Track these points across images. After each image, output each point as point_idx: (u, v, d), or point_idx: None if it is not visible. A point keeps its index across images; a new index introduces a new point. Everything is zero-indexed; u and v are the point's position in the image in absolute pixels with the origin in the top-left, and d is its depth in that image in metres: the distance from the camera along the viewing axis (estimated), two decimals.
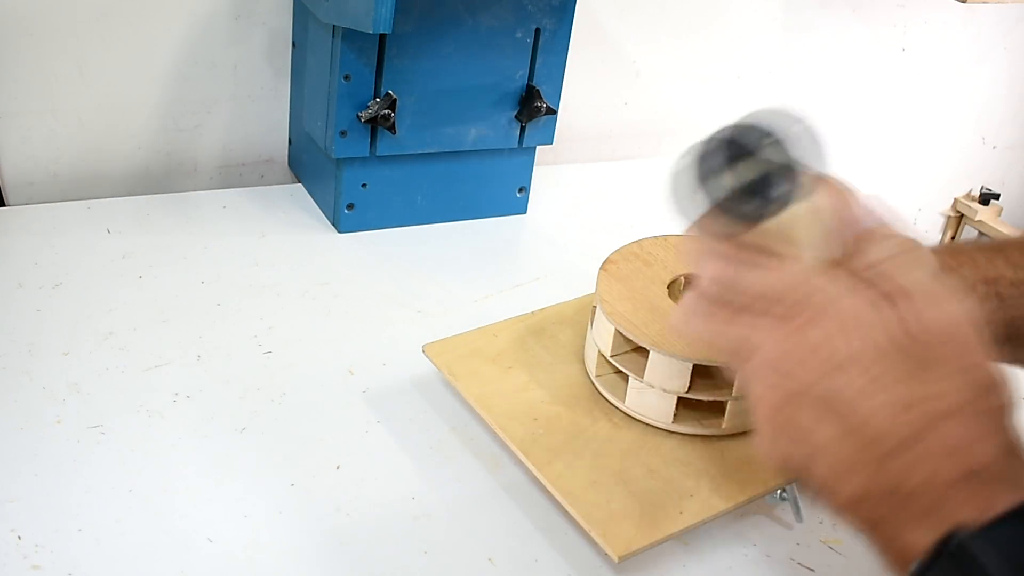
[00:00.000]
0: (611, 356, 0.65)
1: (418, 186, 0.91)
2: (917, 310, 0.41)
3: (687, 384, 0.62)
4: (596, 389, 0.67)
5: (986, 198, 1.56)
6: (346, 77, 0.81)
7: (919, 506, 0.40)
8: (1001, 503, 0.38)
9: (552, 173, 1.06)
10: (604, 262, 0.70)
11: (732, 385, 0.63)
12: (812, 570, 0.60)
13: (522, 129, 0.91)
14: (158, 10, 0.88)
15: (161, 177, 0.96)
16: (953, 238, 1.60)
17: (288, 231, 0.88)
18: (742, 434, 0.65)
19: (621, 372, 0.65)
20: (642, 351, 0.63)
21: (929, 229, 1.59)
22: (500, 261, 0.89)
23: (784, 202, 0.41)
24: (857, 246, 0.44)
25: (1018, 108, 1.54)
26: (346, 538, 0.58)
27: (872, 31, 1.30)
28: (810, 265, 0.43)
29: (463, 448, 0.65)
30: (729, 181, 0.41)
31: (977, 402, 0.40)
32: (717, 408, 0.65)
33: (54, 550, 0.54)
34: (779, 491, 0.62)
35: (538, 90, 0.88)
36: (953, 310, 0.41)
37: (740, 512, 0.62)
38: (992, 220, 1.55)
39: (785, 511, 0.63)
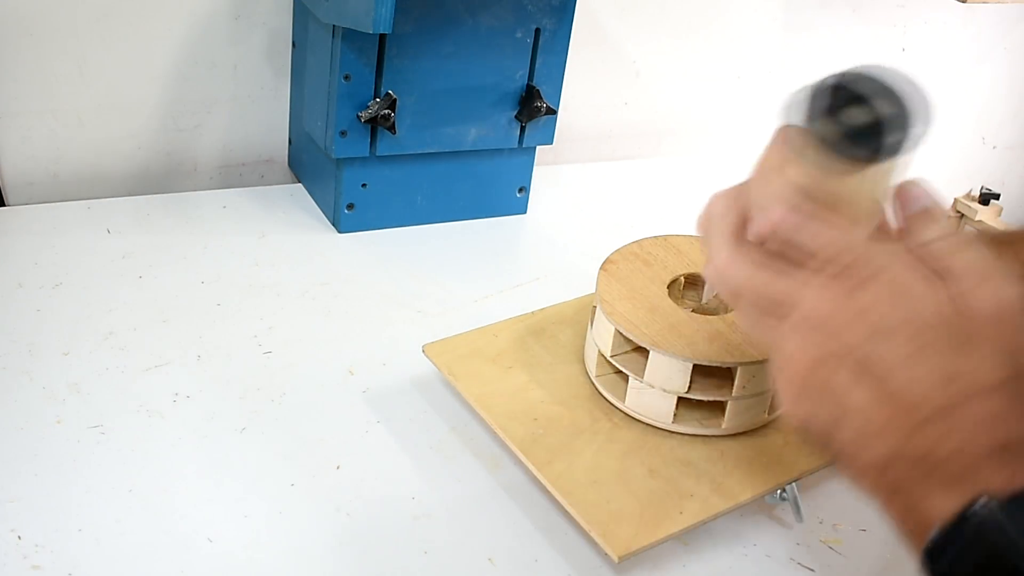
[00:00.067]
0: (611, 356, 0.65)
1: (418, 186, 0.91)
2: (967, 289, 0.41)
3: (687, 384, 0.62)
4: (596, 389, 0.67)
5: (986, 198, 1.55)
6: (346, 77, 0.81)
7: (947, 473, 0.40)
8: None
9: (552, 173, 1.06)
10: (604, 262, 0.70)
11: (732, 385, 0.63)
12: (812, 570, 0.60)
13: (522, 129, 0.91)
14: (158, 10, 0.88)
15: (161, 177, 0.96)
16: None
17: (288, 231, 0.88)
18: (742, 434, 0.65)
19: (621, 372, 0.65)
20: (642, 351, 0.63)
21: None
22: (500, 261, 0.89)
23: (892, 152, 0.41)
24: (910, 224, 0.44)
25: (1018, 108, 1.54)
26: (346, 538, 0.58)
27: (872, 31, 1.30)
28: (869, 232, 0.44)
29: (463, 448, 0.66)
30: (847, 120, 0.41)
31: (1018, 382, 0.40)
32: (717, 408, 0.65)
33: (54, 550, 0.54)
34: (779, 491, 0.62)
35: (538, 90, 0.88)
36: (1002, 292, 0.41)
37: (740, 512, 0.62)
38: (992, 220, 1.55)
39: (785, 511, 0.63)
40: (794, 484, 0.62)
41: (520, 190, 0.96)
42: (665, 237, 0.73)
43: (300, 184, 0.97)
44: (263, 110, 0.96)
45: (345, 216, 0.89)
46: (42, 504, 0.57)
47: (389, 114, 0.83)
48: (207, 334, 0.73)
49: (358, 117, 0.83)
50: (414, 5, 0.80)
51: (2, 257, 0.79)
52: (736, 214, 0.48)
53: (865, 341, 0.41)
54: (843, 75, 0.42)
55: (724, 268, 0.46)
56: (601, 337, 0.65)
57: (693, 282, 0.71)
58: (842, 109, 0.42)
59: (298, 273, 0.82)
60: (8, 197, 0.90)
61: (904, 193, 0.45)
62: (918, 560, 0.42)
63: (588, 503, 0.58)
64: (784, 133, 0.47)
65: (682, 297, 0.71)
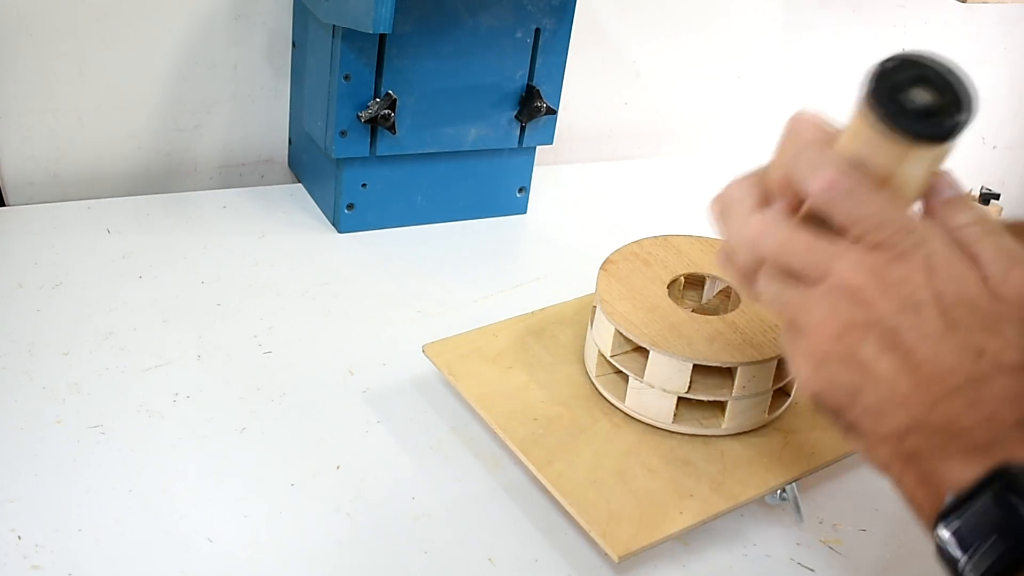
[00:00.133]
0: (611, 356, 0.65)
1: (418, 186, 0.91)
2: (997, 273, 0.42)
3: (687, 384, 0.62)
4: (596, 389, 0.67)
5: (986, 198, 1.55)
6: (346, 77, 0.81)
7: (969, 442, 0.41)
8: None
9: (552, 173, 1.06)
10: (604, 262, 0.70)
11: (732, 385, 0.63)
12: (812, 570, 0.60)
13: (522, 129, 0.91)
14: (158, 10, 0.88)
15: (161, 177, 0.96)
16: None
17: (288, 231, 0.88)
18: (742, 434, 0.65)
19: (621, 372, 0.65)
20: (642, 351, 0.63)
21: None
22: (500, 261, 0.89)
23: (950, 135, 0.42)
24: (940, 210, 0.45)
25: (1018, 108, 1.54)
26: (346, 538, 0.58)
27: (872, 31, 1.30)
28: (910, 208, 0.44)
29: (463, 448, 0.66)
30: (913, 99, 0.42)
31: None
32: (717, 408, 0.65)
33: (54, 550, 0.54)
34: (779, 491, 0.62)
35: (538, 90, 0.88)
36: None
37: (740, 512, 0.62)
38: (990, 215, 1.55)
39: (785, 511, 0.63)
40: (794, 484, 0.62)
41: (520, 190, 0.96)
42: (665, 237, 0.73)
43: (300, 184, 0.97)
44: (263, 110, 0.96)
45: (345, 216, 0.89)
46: (42, 504, 0.57)
47: (389, 114, 0.83)
48: (207, 334, 0.73)
49: (358, 117, 0.83)
50: (414, 5, 0.80)
51: (2, 257, 0.79)
52: (756, 197, 0.48)
53: (896, 313, 0.42)
54: (908, 56, 0.43)
55: (761, 231, 0.46)
56: (601, 337, 0.65)
57: (693, 282, 0.71)
58: (907, 89, 0.42)
59: (298, 273, 0.82)
60: (8, 197, 0.90)
61: (934, 180, 0.46)
62: (927, 526, 0.42)
63: (588, 503, 0.58)
64: (801, 117, 0.48)
65: (682, 297, 0.71)
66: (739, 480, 0.61)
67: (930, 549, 0.63)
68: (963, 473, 0.40)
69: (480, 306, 0.81)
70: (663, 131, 1.22)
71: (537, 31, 0.87)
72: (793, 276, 0.46)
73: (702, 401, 0.64)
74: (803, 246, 0.45)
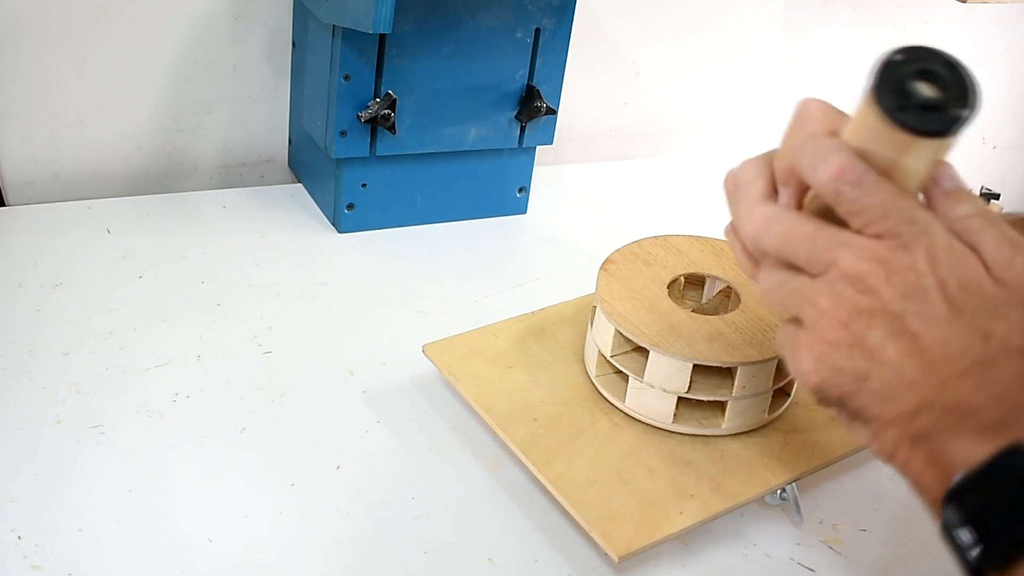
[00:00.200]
0: (611, 356, 0.65)
1: (418, 186, 0.91)
2: (999, 259, 0.43)
3: (687, 384, 0.62)
4: (596, 389, 0.67)
5: (986, 198, 1.55)
6: (346, 77, 0.81)
7: (981, 421, 0.41)
8: None
9: (552, 173, 1.06)
10: (604, 262, 0.70)
11: (732, 385, 0.63)
12: (812, 570, 0.60)
13: (522, 129, 0.91)
14: (158, 10, 0.88)
15: (161, 177, 0.96)
16: None
17: (288, 231, 0.88)
18: (742, 434, 0.65)
19: (621, 372, 0.65)
20: (642, 351, 0.63)
21: None
22: (500, 261, 0.89)
23: (954, 128, 0.43)
24: (939, 202, 0.45)
25: (1018, 108, 1.54)
26: (346, 538, 0.58)
27: (872, 31, 1.30)
28: (914, 198, 0.45)
29: (463, 448, 0.66)
30: (918, 93, 0.43)
31: None
32: (717, 408, 0.65)
33: (54, 550, 0.54)
34: (779, 491, 0.62)
35: (538, 90, 0.88)
36: None
37: (740, 512, 0.62)
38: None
39: (785, 511, 0.63)
40: (794, 484, 0.62)
41: (520, 190, 0.96)
42: (665, 237, 0.73)
43: (300, 184, 0.97)
44: (263, 110, 0.96)
45: (345, 216, 0.89)
46: (42, 504, 0.57)
47: (389, 114, 0.83)
48: (207, 334, 0.73)
49: (358, 117, 0.83)
50: (414, 5, 0.80)
51: (2, 257, 0.79)
52: (766, 180, 0.48)
53: (901, 299, 0.42)
54: (914, 49, 0.43)
55: (766, 220, 0.46)
56: (601, 337, 0.65)
57: (693, 282, 0.71)
58: (912, 82, 0.43)
59: (298, 273, 0.82)
60: (8, 197, 0.90)
61: (934, 174, 0.46)
62: (932, 507, 0.42)
63: (588, 503, 0.58)
64: (809, 102, 0.48)
65: (682, 297, 0.71)
66: (739, 480, 0.61)
67: (930, 549, 0.63)
68: (974, 452, 0.40)
69: (480, 306, 0.81)
70: (663, 131, 1.22)
71: (537, 31, 0.87)
72: (796, 267, 0.46)
73: (702, 401, 0.64)
74: (807, 237, 0.45)
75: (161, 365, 0.69)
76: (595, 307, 0.67)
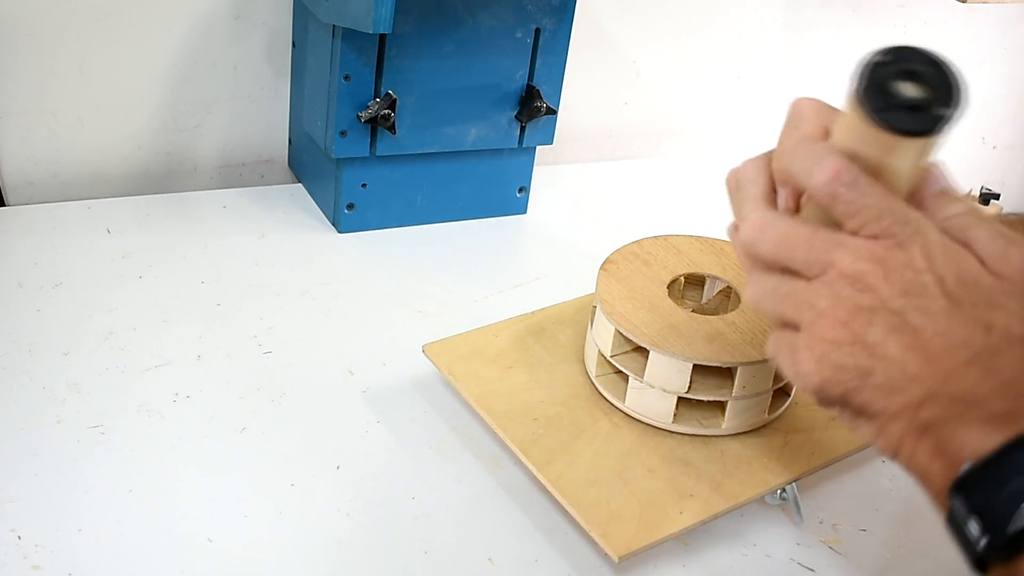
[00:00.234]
0: (611, 356, 0.65)
1: (418, 186, 0.91)
2: (994, 253, 0.43)
3: (687, 384, 0.62)
4: (596, 389, 0.67)
5: (986, 198, 1.55)
6: (346, 77, 0.81)
7: (988, 410, 0.41)
8: None
9: (552, 173, 1.06)
10: (604, 262, 0.70)
11: (732, 385, 0.63)
12: (812, 570, 0.60)
13: (522, 129, 0.91)
14: (158, 10, 0.88)
15: (161, 177, 0.96)
16: None
17: (288, 231, 0.88)
18: (742, 434, 0.65)
19: (621, 372, 0.65)
20: (642, 351, 0.63)
21: None
22: (500, 261, 0.89)
23: (940, 127, 0.43)
24: (929, 203, 0.46)
25: (1018, 108, 1.54)
26: (346, 538, 0.58)
27: (872, 31, 1.30)
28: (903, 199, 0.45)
29: (463, 448, 0.66)
30: (901, 93, 0.43)
31: None
32: (717, 408, 0.65)
33: (54, 550, 0.54)
34: (779, 491, 0.62)
35: (538, 90, 0.88)
36: None
37: (740, 512, 0.62)
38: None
39: (785, 511, 0.63)
40: (794, 484, 0.62)
41: (520, 190, 0.96)
42: (665, 237, 0.73)
43: (300, 184, 0.97)
44: (263, 110, 0.96)
45: (345, 216, 0.89)
46: (42, 504, 0.57)
47: (389, 114, 0.83)
48: (207, 334, 0.73)
49: (358, 117, 0.83)
50: (414, 5, 0.80)
51: (2, 257, 0.79)
52: (767, 179, 0.49)
53: (900, 296, 0.42)
54: (898, 49, 0.43)
55: (762, 225, 0.47)
56: (601, 337, 0.65)
57: (693, 282, 0.71)
58: (895, 83, 0.43)
59: (298, 273, 0.82)
60: (8, 197, 0.90)
61: (923, 175, 0.46)
62: (937, 498, 0.42)
63: (588, 503, 0.58)
64: (802, 102, 0.48)
65: (682, 297, 0.71)
66: (739, 480, 0.61)
67: (930, 549, 0.63)
68: (982, 441, 0.40)
69: (480, 306, 0.81)
70: (663, 131, 1.22)
71: (537, 31, 0.87)
72: (791, 271, 0.46)
73: (702, 401, 0.64)
74: (803, 239, 0.45)
75: (161, 365, 0.69)
76: (595, 307, 0.67)
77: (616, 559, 0.55)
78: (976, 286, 0.42)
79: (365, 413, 0.68)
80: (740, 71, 1.24)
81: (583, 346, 0.70)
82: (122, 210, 0.88)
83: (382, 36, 0.80)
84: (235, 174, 0.99)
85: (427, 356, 0.69)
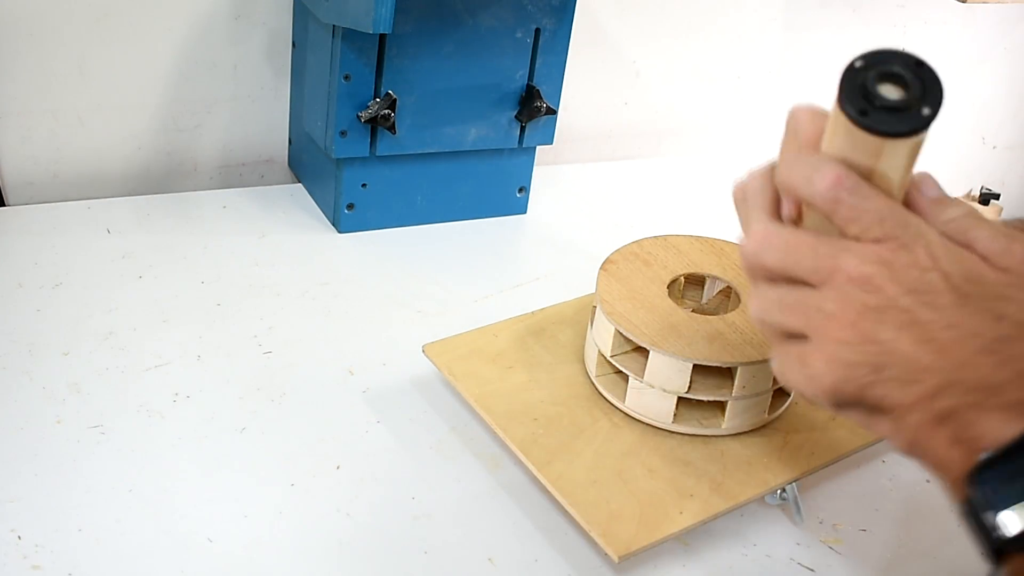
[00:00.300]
0: (611, 356, 0.65)
1: (418, 186, 0.91)
2: (997, 250, 0.43)
3: (687, 384, 0.62)
4: (596, 389, 0.67)
5: (986, 198, 1.55)
6: (346, 77, 0.81)
7: (1006, 398, 0.41)
8: None
9: (552, 173, 1.06)
10: (604, 262, 0.70)
11: (732, 385, 0.63)
12: (812, 570, 0.60)
13: (522, 129, 0.91)
14: (158, 10, 0.88)
15: (161, 177, 0.96)
16: None
17: (288, 231, 0.88)
18: (742, 434, 0.65)
19: (621, 372, 0.65)
20: (642, 351, 0.63)
21: None
22: (500, 261, 0.89)
23: (923, 126, 0.43)
24: (929, 210, 0.46)
25: (1018, 108, 1.54)
26: (346, 538, 0.58)
27: (872, 31, 1.30)
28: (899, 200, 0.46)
29: (463, 448, 0.66)
30: (882, 95, 0.43)
31: None
32: (717, 408, 0.65)
33: (54, 550, 0.54)
34: (779, 491, 0.62)
35: (538, 90, 0.88)
36: None
37: (740, 512, 0.62)
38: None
39: (785, 511, 0.63)
40: (794, 484, 0.62)
41: (520, 190, 0.96)
42: (665, 237, 0.73)
43: (300, 184, 0.97)
44: (263, 110, 0.96)
45: (345, 216, 0.89)
46: (42, 504, 0.57)
47: (389, 114, 0.83)
48: (207, 334, 0.73)
49: (358, 117, 0.83)
50: (414, 5, 0.80)
51: (2, 257, 0.79)
52: (771, 190, 0.49)
53: (908, 294, 0.43)
54: (876, 53, 0.44)
55: (765, 236, 0.47)
56: (601, 337, 0.65)
57: (693, 282, 0.71)
58: (875, 86, 0.44)
59: (298, 273, 0.82)
60: (8, 197, 0.90)
61: (917, 183, 0.47)
62: (954, 488, 0.42)
63: (588, 503, 0.58)
64: (799, 110, 0.48)
65: (682, 297, 0.71)
66: (739, 480, 0.61)
67: (930, 549, 0.63)
68: (1002, 429, 0.40)
69: (480, 306, 0.81)
70: (663, 131, 1.22)
71: (537, 31, 0.87)
72: (796, 281, 0.46)
73: (702, 401, 0.64)
74: (808, 246, 0.45)
75: (161, 365, 0.69)
76: (595, 307, 0.67)
77: (616, 559, 0.55)
78: (982, 281, 0.42)
79: (365, 413, 0.68)
80: (740, 71, 1.24)
81: (583, 346, 0.70)
82: (122, 210, 0.88)
83: (382, 36, 0.80)
84: (235, 174, 0.99)
85: (427, 356, 0.69)
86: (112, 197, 0.90)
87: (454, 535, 0.59)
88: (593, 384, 0.67)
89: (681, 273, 0.70)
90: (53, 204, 0.87)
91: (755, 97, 1.26)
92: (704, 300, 0.72)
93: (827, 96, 0.49)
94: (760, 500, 0.62)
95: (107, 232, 0.84)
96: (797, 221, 0.49)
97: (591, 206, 1.03)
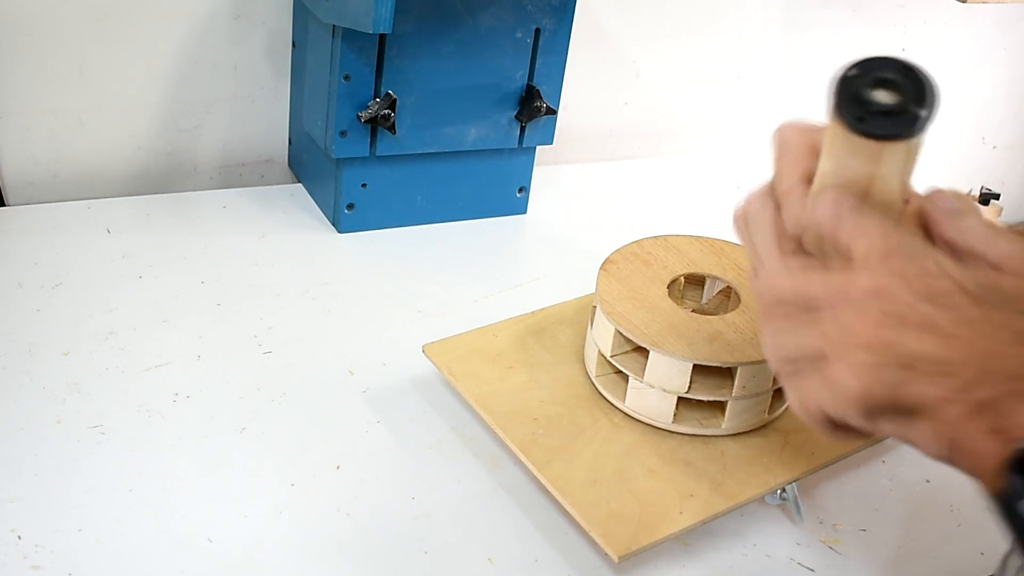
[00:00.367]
0: (611, 356, 0.65)
1: (418, 186, 0.91)
2: (1018, 252, 0.43)
3: (687, 384, 0.62)
4: (596, 389, 0.67)
5: (986, 198, 1.55)
6: (346, 77, 0.81)
7: None
8: None
9: (552, 173, 1.06)
10: (604, 262, 0.70)
11: (732, 385, 0.63)
12: (812, 570, 0.60)
13: (522, 129, 0.91)
14: (158, 10, 0.88)
15: (161, 177, 0.96)
16: None
17: (288, 231, 0.88)
18: (742, 434, 0.65)
19: (621, 372, 0.65)
20: (642, 351, 0.63)
21: None
22: (500, 261, 0.89)
23: (917, 128, 0.44)
24: (945, 222, 0.46)
25: (1018, 108, 1.54)
26: (346, 538, 0.58)
27: (872, 31, 1.30)
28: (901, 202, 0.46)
29: (463, 448, 0.66)
30: (875, 100, 0.44)
31: None
32: (717, 408, 0.65)
33: (54, 550, 0.54)
34: (779, 491, 0.62)
35: (538, 90, 0.88)
36: None
37: (740, 512, 0.62)
38: (992, 220, 1.55)
39: (785, 511, 0.63)
40: (794, 484, 0.62)
41: (520, 190, 0.96)
42: (665, 237, 0.73)
43: (300, 184, 0.97)
44: (263, 110, 0.96)
45: (345, 216, 0.89)
46: (42, 504, 0.57)
47: (389, 114, 0.83)
48: (207, 334, 0.73)
49: (358, 117, 0.83)
50: (414, 5, 0.80)
51: (2, 257, 0.79)
52: (772, 210, 0.49)
53: (926, 301, 0.42)
54: (867, 60, 0.45)
55: (778, 274, 0.47)
56: (601, 337, 0.65)
57: (693, 282, 0.71)
58: (869, 92, 0.44)
59: (298, 273, 0.82)
60: (8, 197, 0.90)
61: (932, 198, 0.47)
62: (993, 477, 0.41)
63: (588, 503, 0.58)
64: (786, 127, 0.49)
65: (682, 297, 0.71)
66: (739, 480, 0.61)
67: (930, 549, 0.63)
68: None
69: (480, 306, 0.81)
70: (663, 131, 1.22)
71: (537, 31, 0.87)
72: (811, 307, 0.46)
73: (702, 401, 0.64)
74: (819, 276, 0.45)
75: (161, 365, 0.69)
76: (595, 307, 0.67)
77: (616, 559, 0.55)
78: (998, 287, 0.42)
79: (365, 413, 0.68)
80: (740, 71, 1.24)
81: (583, 346, 0.70)
82: (122, 210, 0.88)
83: (382, 36, 0.80)
84: (235, 174, 0.99)
85: (427, 356, 0.69)
86: (112, 197, 0.90)
87: (454, 535, 0.59)
88: (593, 384, 0.67)
89: (681, 273, 0.70)
90: (53, 204, 0.87)
91: (755, 97, 1.26)
92: (704, 300, 0.72)
93: (827, 96, 0.49)
94: (760, 500, 0.62)
95: (107, 232, 0.84)
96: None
97: (591, 206, 1.03)
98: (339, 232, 0.89)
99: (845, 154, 0.45)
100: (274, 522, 0.58)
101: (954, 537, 0.63)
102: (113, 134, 0.92)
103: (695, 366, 0.62)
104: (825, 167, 0.47)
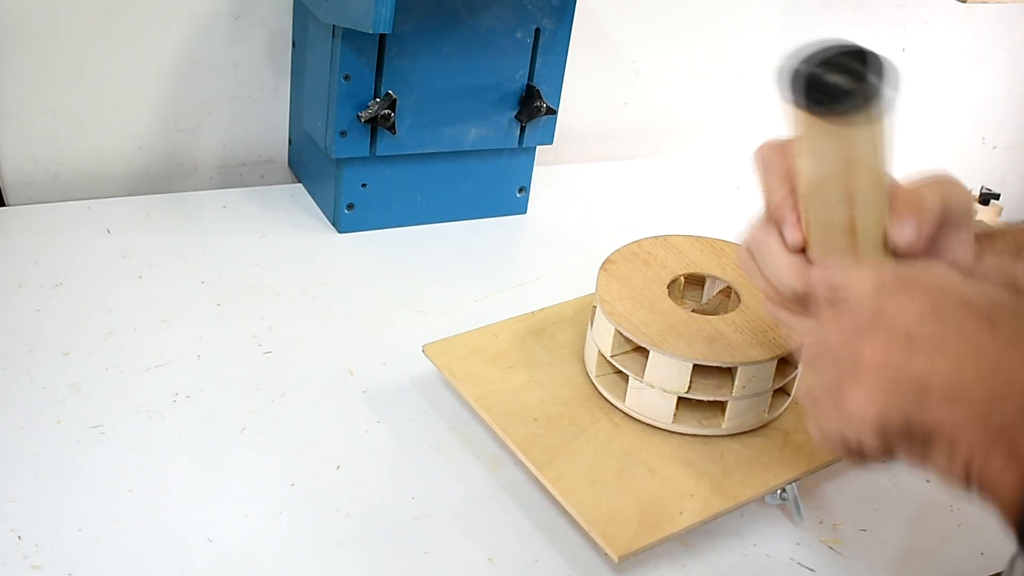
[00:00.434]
0: (611, 356, 0.65)
1: (418, 186, 0.91)
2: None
3: (687, 384, 0.62)
4: (596, 389, 0.67)
5: (986, 198, 1.55)
6: (346, 77, 0.81)
7: None
8: None
9: (552, 173, 1.06)
10: (604, 262, 0.70)
11: (732, 385, 0.63)
12: (812, 570, 0.60)
13: (522, 129, 0.91)
14: (158, 10, 0.88)
15: (161, 177, 0.96)
16: None
17: (288, 231, 0.88)
18: (742, 434, 0.65)
19: (621, 372, 0.65)
20: (642, 351, 0.63)
21: None
22: (500, 261, 0.89)
23: (873, 97, 0.45)
24: (982, 241, 0.48)
25: (1018, 108, 1.54)
26: (346, 538, 0.58)
27: (872, 31, 1.30)
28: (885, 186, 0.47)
29: (463, 448, 0.65)
30: (828, 81, 0.45)
31: None
32: (717, 408, 0.65)
33: (54, 550, 0.54)
34: (779, 491, 0.62)
35: (538, 90, 0.88)
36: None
37: (740, 512, 0.62)
38: (992, 220, 1.55)
39: (785, 511, 0.63)
40: (794, 484, 0.62)
41: (520, 190, 0.96)
42: (665, 237, 0.73)
43: (300, 184, 0.97)
44: (263, 110, 0.96)
45: (345, 216, 0.89)
46: (42, 504, 0.57)
47: (389, 114, 0.83)
48: (207, 334, 0.73)
49: (358, 117, 0.83)
50: (414, 5, 0.80)
51: (2, 257, 0.79)
52: (777, 235, 0.51)
53: (927, 319, 0.42)
54: (812, 53, 0.45)
55: (807, 334, 0.49)
56: (601, 337, 0.65)
57: (693, 282, 0.71)
58: (820, 78, 0.45)
59: (298, 273, 0.82)
60: (8, 197, 0.90)
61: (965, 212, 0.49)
62: (1013, 507, 0.40)
63: (588, 503, 0.58)
64: (765, 147, 0.50)
65: (682, 297, 0.71)
66: (739, 480, 0.61)
67: (930, 549, 0.63)
68: None
69: (480, 306, 0.81)
70: (663, 131, 1.22)
71: (537, 31, 0.87)
72: (823, 342, 0.47)
73: (702, 401, 0.64)
74: (829, 329, 0.46)
75: (161, 365, 0.69)
76: (595, 307, 0.67)
77: (616, 559, 0.55)
78: (1002, 305, 0.42)
79: (365, 413, 0.68)
80: (740, 71, 1.24)
81: (583, 346, 0.70)
82: (122, 210, 0.88)
83: (382, 36, 0.80)
84: (235, 174, 0.99)
85: (427, 356, 0.69)
86: (112, 197, 0.90)
87: (454, 535, 0.59)
88: (593, 384, 0.67)
89: (681, 273, 0.70)
90: (53, 204, 0.87)
91: (755, 97, 1.26)
92: (704, 300, 0.72)
93: (784, 95, 0.50)
94: (760, 500, 0.62)
95: (107, 232, 0.84)
96: (796, 220, 0.49)
97: (591, 206, 1.03)
98: (339, 232, 0.89)
99: (818, 144, 0.46)
100: (274, 522, 0.58)
101: (954, 537, 0.63)
102: (113, 134, 0.92)
103: (695, 366, 0.62)
104: (804, 165, 0.47)
